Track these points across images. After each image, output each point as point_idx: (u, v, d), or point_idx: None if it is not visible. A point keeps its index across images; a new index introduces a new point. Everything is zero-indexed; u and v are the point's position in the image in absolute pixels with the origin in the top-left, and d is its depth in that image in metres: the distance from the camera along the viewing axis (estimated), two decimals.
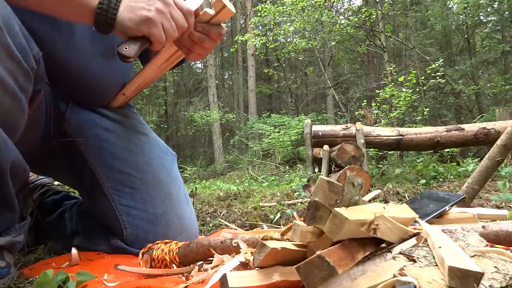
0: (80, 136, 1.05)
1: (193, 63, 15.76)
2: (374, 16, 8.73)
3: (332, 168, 3.15)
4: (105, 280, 0.78)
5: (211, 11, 0.91)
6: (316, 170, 3.41)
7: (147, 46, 0.86)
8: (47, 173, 1.26)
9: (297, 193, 2.64)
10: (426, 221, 0.73)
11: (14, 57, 0.73)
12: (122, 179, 1.05)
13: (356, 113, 7.08)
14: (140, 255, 0.88)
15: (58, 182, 1.40)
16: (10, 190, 0.80)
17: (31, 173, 1.15)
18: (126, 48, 0.83)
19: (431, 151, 3.92)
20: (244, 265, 0.67)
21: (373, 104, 6.59)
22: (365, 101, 7.19)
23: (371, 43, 10.26)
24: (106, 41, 1.02)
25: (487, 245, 0.55)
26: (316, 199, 0.54)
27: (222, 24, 0.94)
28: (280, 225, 1.63)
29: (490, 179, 2.21)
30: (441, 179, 2.98)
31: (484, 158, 1.43)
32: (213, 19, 0.92)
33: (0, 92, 0.71)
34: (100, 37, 0.98)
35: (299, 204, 2.14)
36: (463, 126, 3.35)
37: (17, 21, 0.76)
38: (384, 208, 0.57)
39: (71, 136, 1.05)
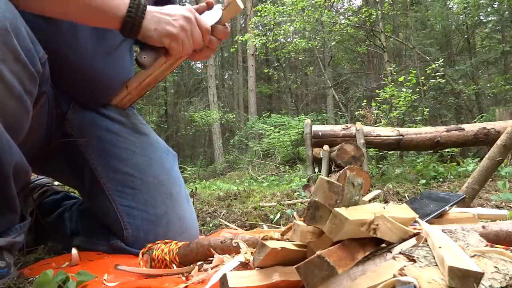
0: (81, 137, 1.05)
1: (193, 62, 15.76)
2: (374, 16, 8.72)
3: (332, 168, 3.15)
4: (105, 280, 0.78)
5: (219, 15, 0.96)
6: (316, 170, 3.41)
7: (163, 56, 0.93)
8: (47, 173, 1.26)
9: (297, 193, 2.64)
10: (426, 221, 0.73)
11: (20, 60, 0.73)
12: (123, 179, 1.05)
13: (356, 113, 7.08)
14: (140, 255, 0.88)
15: (58, 182, 1.40)
16: (12, 192, 0.80)
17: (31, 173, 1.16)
18: (144, 57, 0.91)
19: (431, 151, 3.92)
20: (244, 265, 0.67)
21: (373, 104, 6.58)
22: (365, 101, 7.19)
23: (371, 43, 10.26)
24: (108, 39, 1.03)
25: (487, 245, 0.55)
26: (316, 199, 0.54)
27: (226, 24, 0.99)
28: (280, 225, 1.63)
29: (490, 179, 2.21)
30: (441, 179, 2.97)
31: (484, 158, 1.43)
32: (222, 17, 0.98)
33: (5, 95, 0.71)
34: (102, 35, 1.00)
35: (299, 204, 2.14)
36: (463, 126, 3.35)
37: (24, 25, 0.76)
38: (384, 208, 0.57)
39: (72, 136, 1.05)
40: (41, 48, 0.82)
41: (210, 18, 0.97)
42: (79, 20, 0.86)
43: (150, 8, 0.87)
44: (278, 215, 1.75)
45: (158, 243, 0.90)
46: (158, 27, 0.86)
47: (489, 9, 9.93)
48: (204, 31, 0.92)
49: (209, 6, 0.98)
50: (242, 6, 0.99)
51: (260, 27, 11.92)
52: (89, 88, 1.05)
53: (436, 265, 0.48)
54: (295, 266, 0.48)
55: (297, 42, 9.58)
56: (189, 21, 0.89)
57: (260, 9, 9.19)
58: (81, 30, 0.97)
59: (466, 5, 9.22)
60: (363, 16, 8.66)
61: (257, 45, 9.99)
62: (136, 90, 1.13)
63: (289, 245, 0.58)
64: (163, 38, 0.87)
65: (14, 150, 0.77)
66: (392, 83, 6.39)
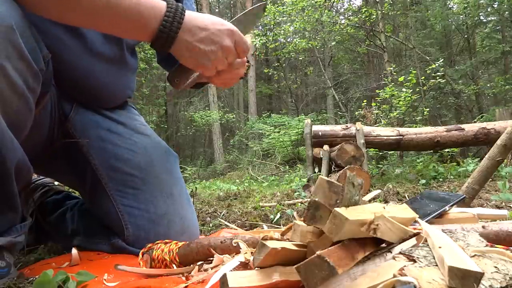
0: (83, 137, 1.05)
1: None
2: (374, 16, 8.73)
3: (332, 168, 3.15)
4: (105, 280, 0.78)
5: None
6: (316, 170, 3.41)
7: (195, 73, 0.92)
8: (49, 173, 1.26)
9: (297, 193, 2.64)
10: (426, 221, 0.73)
11: (24, 58, 0.73)
12: (125, 179, 1.05)
13: (356, 113, 7.08)
14: (140, 255, 0.88)
15: (59, 183, 1.40)
16: (14, 190, 0.80)
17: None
18: (177, 80, 0.90)
19: (431, 151, 3.92)
20: (244, 265, 0.67)
21: (373, 104, 6.58)
22: (365, 101, 7.18)
23: (371, 43, 10.26)
24: (116, 46, 1.03)
25: (487, 245, 0.55)
26: (316, 199, 0.54)
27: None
28: (280, 225, 1.63)
29: (490, 179, 2.21)
30: (441, 179, 2.97)
31: (484, 158, 1.43)
32: None
33: (9, 92, 0.71)
34: (110, 42, 0.99)
35: (299, 204, 2.14)
36: (463, 126, 3.35)
37: (29, 24, 0.76)
38: (384, 208, 0.57)
39: (75, 137, 1.05)
40: (45, 47, 0.82)
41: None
42: (109, 30, 0.82)
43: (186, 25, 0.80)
44: (278, 215, 1.75)
45: (158, 243, 0.90)
46: (192, 57, 0.83)
47: (489, 9, 9.94)
48: (242, 62, 0.90)
49: None
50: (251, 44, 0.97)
51: (260, 27, 11.92)
52: (92, 95, 1.05)
53: (436, 265, 0.48)
54: (295, 266, 0.48)
55: (297, 42, 9.59)
56: (229, 53, 0.85)
57: None
58: (89, 34, 0.97)
59: (466, 5, 9.23)
60: (363, 16, 8.66)
61: (257, 45, 9.98)
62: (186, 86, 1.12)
63: (289, 245, 0.58)
64: (197, 67, 0.86)
65: (17, 147, 0.77)
66: (392, 83, 6.39)
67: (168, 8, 0.79)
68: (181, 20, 0.79)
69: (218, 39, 0.82)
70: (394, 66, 8.35)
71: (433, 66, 6.79)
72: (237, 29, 0.86)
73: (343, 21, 10.09)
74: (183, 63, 0.86)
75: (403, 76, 5.94)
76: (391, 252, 0.53)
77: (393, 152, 5.40)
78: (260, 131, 9.33)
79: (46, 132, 1.02)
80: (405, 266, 0.47)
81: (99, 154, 1.05)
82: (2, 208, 0.80)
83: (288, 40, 10.92)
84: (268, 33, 10.01)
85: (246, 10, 0.98)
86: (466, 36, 11.16)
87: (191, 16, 0.82)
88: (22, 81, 0.74)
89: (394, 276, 0.45)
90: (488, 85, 10.73)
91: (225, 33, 0.84)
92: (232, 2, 18.72)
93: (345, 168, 2.90)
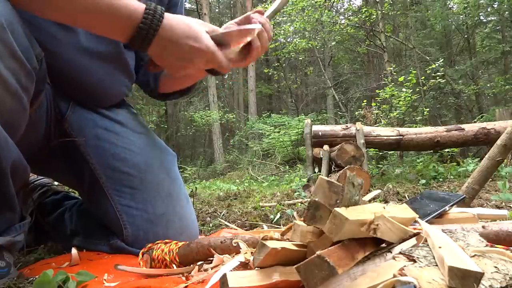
0: (80, 136, 1.04)
1: None
2: (374, 16, 8.73)
3: (332, 168, 3.15)
4: (105, 280, 0.78)
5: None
6: (316, 170, 3.41)
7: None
8: (47, 173, 1.26)
9: (297, 193, 2.64)
10: (426, 221, 0.73)
11: (16, 57, 0.73)
12: (122, 179, 1.05)
13: (356, 113, 7.08)
14: (140, 255, 0.88)
15: (58, 183, 1.40)
16: (11, 189, 0.80)
17: (31, 173, 1.15)
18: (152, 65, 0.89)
19: (431, 151, 3.92)
20: (244, 265, 0.67)
21: (373, 104, 6.59)
22: (365, 101, 7.19)
23: (371, 43, 10.26)
24: (112, 44, 1.02)
25: (487, 245, 0.55)
26: (316, 199, 0.54)
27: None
28: (280, 225, 1.63)
29: (490, 179, 2.21)
30: (441, 179, 2.97)
31: (484, 158, 1.43)
32: None
33: (1, 91, 0.71)
34: (105, 39, 0.99)
35: (299, 204, 2.14)
36: (463, 126, 3.35)
37: (20, 22, 0.76)
38: (384, 208, 0.57)
39: (72, 136, 1.04)
40: (38, 45, 0.82)
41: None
42: (85, 27, 0.81)
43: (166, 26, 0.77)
44: (278, 215, 1.75)
45: (158, 243, 0.90)
46: (173, 67, 0.83)
47: (489, 9, 9.95)
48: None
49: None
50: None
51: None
52: (88, 93, 1.04)
53: (436, 265, 0.48)
54: (295, 266, 0.48)
55: (297, 42, 9.59)
56: (208, 61, 0.82)
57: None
58: (83, 31, 0.96)
59: (466, 5, 9.23)
60: (363, 16, 8.67)
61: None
62: None
63: (289, 245, 0.58)
64: (172, 72, 0.86)
65: (11, 146, 0.77)
66: (392, 83, 6.39)
67: (145, 14, 0.76)
68: (159, 22, 0.76)
69: (193, 44, 0.79)
70: (394, 66, 8.35)
71: (433, 66, 6.79)
72: (212, 49, 0.81)
73: (343, 21, 10.09)
74: (157, 62, 0.84)
75: (403, 76, 5.94)
76: (391, 252, 0.53)
77: (393, 152, 5.40)
78: (260, 131, 9.33)
79: (42, 131, 1.02)
80: (405, 266, 0.47)
81: (97, 153, 1.05)
82: (0, 208, 0.80)
83: (288, 40, 10.93)
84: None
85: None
86: (466, 36, 11.16)
87: (170, 18, 0.79)
88: (15, 80, 0.73)
89: (394, 276, 0.45)
90: (488, 85, 10.73)
91: (201, 36, 0.80)
92: (232, 2, 18.72)
93: (345, 168, 2.90)
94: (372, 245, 0.53)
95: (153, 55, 0.82)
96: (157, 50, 0.80)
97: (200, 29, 0.81)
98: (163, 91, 1.24)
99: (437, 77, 6.68)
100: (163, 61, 0.83)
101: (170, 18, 0.79)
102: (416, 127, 4.86)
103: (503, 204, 1.69)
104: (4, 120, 0.74)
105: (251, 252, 0.70)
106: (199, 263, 0.81)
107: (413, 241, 0.55)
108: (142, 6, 0.76)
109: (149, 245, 0.90)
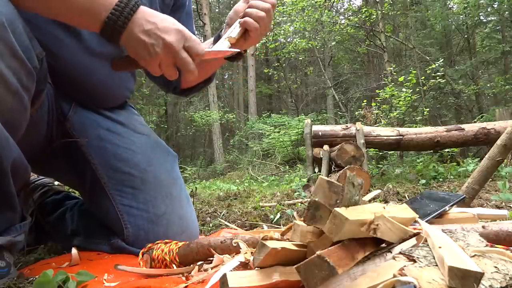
0: (82, 137, 1.05)
1: None
2: (374, 16, 8.74)
3: (332, 168, 3.15)
4: (105, 280, 0.78)
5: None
6: (316, 170, 3.41)
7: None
8: (48, 173, 1.26)
9: (297, 193, 2.64)
10: (426, 221, 0.73)
11: (17, 56, 0.73)
12: (124, 179, 1.05)
13: (356, 113, 7.08)
14: (140, 255, 0.88)
15: (59, 183, 1.40)
16: (11, 189, 0.80)
17: (32, 173, 1.16)
18: (116, 63, 0.87)
19: (431, 151, 3.92)
20: (244, 265, 0.67)
21: (373, 104, 6.59)
22: (365, 101, 7.19)
23: (371, 43, 10.27)
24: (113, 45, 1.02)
25: (487, 245, 0.55)
26: (316, 199, 0.54)
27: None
28: (280, 225, 1.63)
29: (490, 179, 2.21)
30: (441, 179, 2.97)
31: (484, 158, 1.43)
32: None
33: (2, 91, 0.71)
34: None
35: (299, 204, 2.14)
36: (463, 126, 3.35)
37: (21, 21, 0.76)
38: (384, 208, 0.57)
39: (73, 136, 1.05)
40: (39, 45, 0.82)
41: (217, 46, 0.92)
42: (59, 17, 0.80)
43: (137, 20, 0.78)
44: (278, 215, 1.75)
45: (158, 243, 0.90)
46: (137, 51, 0.80)
47: (489, 9, 9.95)
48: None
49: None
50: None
51: None
52: (90, 94, 1.05)
53: (436, 265, 0.48)
54: (295, 266, 0.48)
55: (297, 42, 9.59)
56: (171, 50, 0.80)
57: None
58: (85, 32, 0.96)
59: (466, 5, 9.23)
60: (363, 16, 8.67)
61: (257, 45, 9.98)
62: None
63: (289, 245, 0.58)
64: (139, 61, 0.82)
65: (12, 146, 0.77)
66: (392, 83, 6.39)
67: (115, 6, 0.76)
68: (131, 12, 0.77)
69: (161, 34, 0.78)
70: (394, 66, 8.36)
71: (433, 66, 6.79)
72: (189, 33, 0.82)
73: (343, 21, 10.10)
74: (129, 53, 0.83)
75: (403, 76, 5.95)
76: (391, 252, 0.53)
77: (393, 152, 5.40)
78: (260, 131, 9.33)
79: (44, 131, 1.02)
80: (405, 266, 0.47)
81: (98, 153, 1.05)
82: (0, 207, 0.80)
83: (288, 40, 10.93)
84: (268, 33, 10.00)
85: None
86: (466, 36, 11.16)
87: (145, 11, 0.79)
88: (15, 80, 0.73)
89: (394, 276, 0.45)
90: (488, 85, 10.73)
91: (172, 31, 0.80)
92: (232, 2, 18.73)
93: (345, 168, 2.90)
94: (372, 245, 0.53)
95: (126, 47, 0.81)
96: (127, 42, 0.79)
97: (178, 28, 0.81)
98: (186, 86, 1.24)
99: (437, 77, 6.68)
100: (135, 54, 0.81)
101: (147, 13, 0.79)
102: (416, 127, 4.86)
103: (503, 204, 1.69)
104: (5, 119, 0.74)
105: (251, 252, 0.70)
106: (199, 263, 0.81)
107: (413, 241, 0.55)
108: None
109: (149, 245, 0.90)
